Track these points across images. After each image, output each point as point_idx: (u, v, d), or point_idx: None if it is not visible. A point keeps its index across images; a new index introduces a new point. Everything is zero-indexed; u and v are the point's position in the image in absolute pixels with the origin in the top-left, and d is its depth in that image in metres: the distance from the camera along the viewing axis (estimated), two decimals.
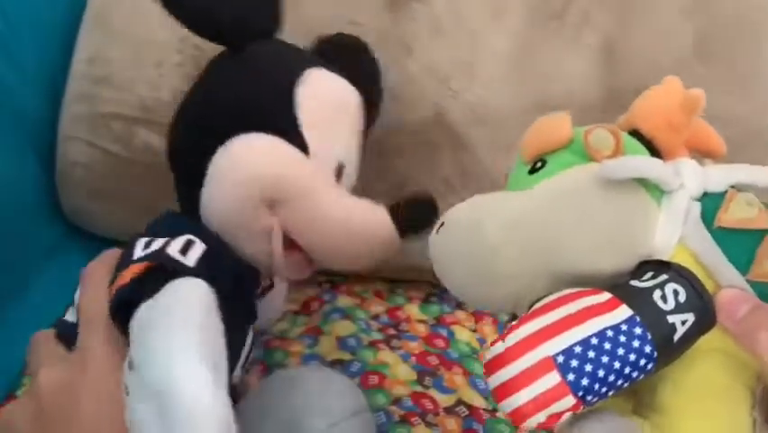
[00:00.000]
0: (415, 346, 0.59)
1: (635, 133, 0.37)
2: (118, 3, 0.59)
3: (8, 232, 0.55)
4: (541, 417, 0.29)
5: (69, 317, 0.39)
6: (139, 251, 0.36)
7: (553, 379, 0.29)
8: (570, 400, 0.29)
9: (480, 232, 0.35)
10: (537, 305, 0.32)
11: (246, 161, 0.38)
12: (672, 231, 0.34)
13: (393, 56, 0.59)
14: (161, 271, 0.34)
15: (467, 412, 0.52)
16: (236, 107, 0.39)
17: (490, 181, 0.59)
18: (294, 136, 0.39)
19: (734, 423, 0.32)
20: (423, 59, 0.58)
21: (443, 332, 0.61)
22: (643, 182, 0.34)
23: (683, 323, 0.30)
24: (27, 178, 0.59)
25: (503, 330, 0.43)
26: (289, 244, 0.40)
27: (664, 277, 0.31)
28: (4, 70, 0.56)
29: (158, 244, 0.36)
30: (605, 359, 0.29)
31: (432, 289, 0.66)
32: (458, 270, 0.36)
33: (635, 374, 0.30)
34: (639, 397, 0.34)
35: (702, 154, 0.38)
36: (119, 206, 0.61)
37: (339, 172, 0.41)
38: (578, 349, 0.29)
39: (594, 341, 0.29)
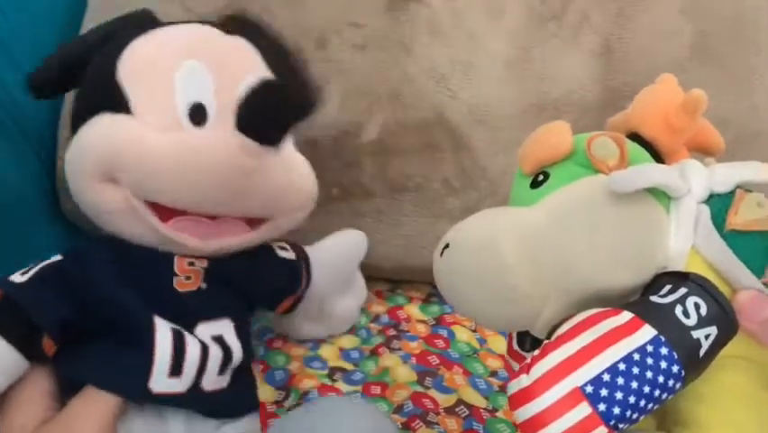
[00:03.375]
0: (415, 346, 0.57)
1: (635, 136, 0.36)
2: (118, 3, 0.59)
3: (8, 232, 0.55)
4: None
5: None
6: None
7: (583, 410, 0.27)
8: (602, 431, 0.27)
9: (494, 251, 0.33)
10: (558, 332, 0.30)
11: (76, 146, 0.40)
12: (684, 238, 0.32)
13: (393, 56, 0.59)
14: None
15: (467, 412, 0.51)
16: (80, 102, 0.42)
17: (489, 182, 0.60)
18: (122, 105, 0.39)
19: (762, 431, 0.30)
20: (422, 60, 0.57)
21: (444, 332, 0.60)
22: (651, 190, 0.32)
23: (707, 337, 0.29)
24: (27, 178, 0.59)
25: (507, 345, 0.41)
26: (168, 212, 0.40)
27: (684, 290, 0.30)
28: (4, 70, 0.56)
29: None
30: (634, 384, 0.28)
31: (432, 289, 0.65)
32: (471, 291, 0.34)
33: (663, 396, 0.28)
34: (662, 410, 0.32)
35: (702, 153, 0.37)
36: None
37: (198, 113, 0.40)
38: (606, 377, 0.28)
39: (622, 366, 0.28)
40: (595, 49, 0.58)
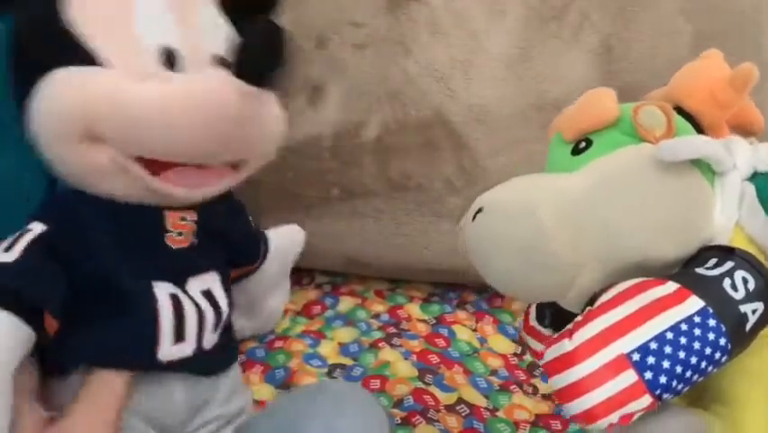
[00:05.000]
0: (415, 345, 0.56)
1: (676, 109, 0.34)
2: None
3: (8, 232, 0.55)
4: (614, 417, 0.27)
5: None
6: None
7: (629, 378, 0.27)
8: (646, 400, 0.27)
9: (533, 216, 0.31)
10: (602, 299, 0.29)
11: (43, 109, 0.36)
12: (729, 214, 0.32)
13: (393, 56, 0.59)
14: None
15: (468, 411, 0.50)
16: (21, 55, 0.37)
17: (490, 180, 0.60)
18: (84, 56, 0.35)
19: None
20: (422, 60, 0.56)
21: (444, 331, 0.59)
22: (697, 163, 0.31)
23: (754, 312, 0.28)
24: (27, 178, 0.59)
25: (522, 322, 0.39)
26: (159, 166, 0.37)
27: (731, 264, 0.29)
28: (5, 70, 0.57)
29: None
30: (681, 354, 0.27)
31: (433, 289, 0.64)
32: (504, 258, 0.32)
33: (709, 368, 0.28)
34: (699, 388, 0.31)
35: (743, 131, 0.36)
36: None
37: (169, 59, 0.37)
38: (653, 345, 0.27)
39: (669, 336, 0.27)
40: (595, 48, 0.58)
